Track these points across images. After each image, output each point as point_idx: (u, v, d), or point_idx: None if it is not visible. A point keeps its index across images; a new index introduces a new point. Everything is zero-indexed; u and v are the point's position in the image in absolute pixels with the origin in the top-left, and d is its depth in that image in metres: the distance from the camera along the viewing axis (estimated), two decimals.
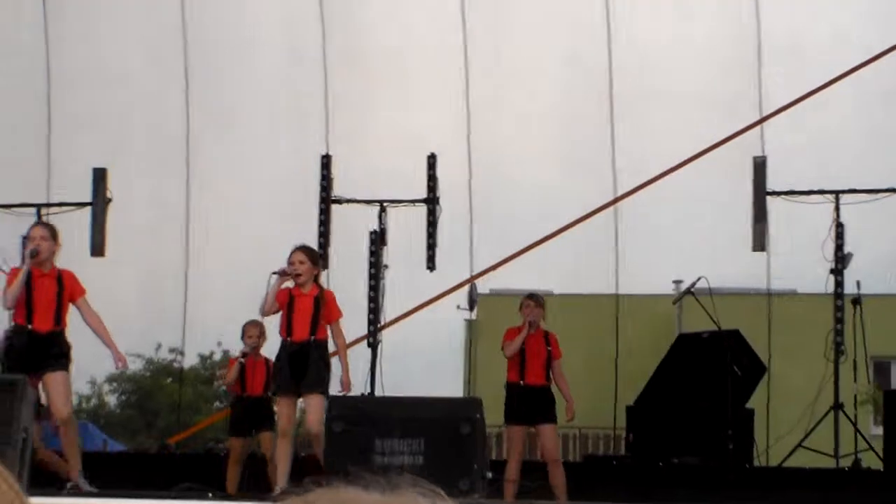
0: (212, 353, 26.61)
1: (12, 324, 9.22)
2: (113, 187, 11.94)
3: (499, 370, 13.32)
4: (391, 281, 11.52)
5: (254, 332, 10.81)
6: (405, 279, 12.30)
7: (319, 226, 12.04)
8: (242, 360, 10.95)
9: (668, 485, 10.37)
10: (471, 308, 14.44)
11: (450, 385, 14.83)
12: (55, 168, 14.26)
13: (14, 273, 9.04)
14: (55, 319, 8.92)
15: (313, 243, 11.89)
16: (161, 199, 14.67)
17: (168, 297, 14.47)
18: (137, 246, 14.19)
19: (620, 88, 14.24)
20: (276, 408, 9.72)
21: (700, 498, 9.94)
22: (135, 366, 24.43)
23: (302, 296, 9.32)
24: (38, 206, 11.80)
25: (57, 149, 14.45)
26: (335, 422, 8.01)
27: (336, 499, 1.02)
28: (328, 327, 9.35)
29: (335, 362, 9.39)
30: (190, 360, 17.07)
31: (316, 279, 9.48)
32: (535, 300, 10.67)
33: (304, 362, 9.08)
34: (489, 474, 8.12)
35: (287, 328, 9.30)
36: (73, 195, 12.15)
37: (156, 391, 23.68)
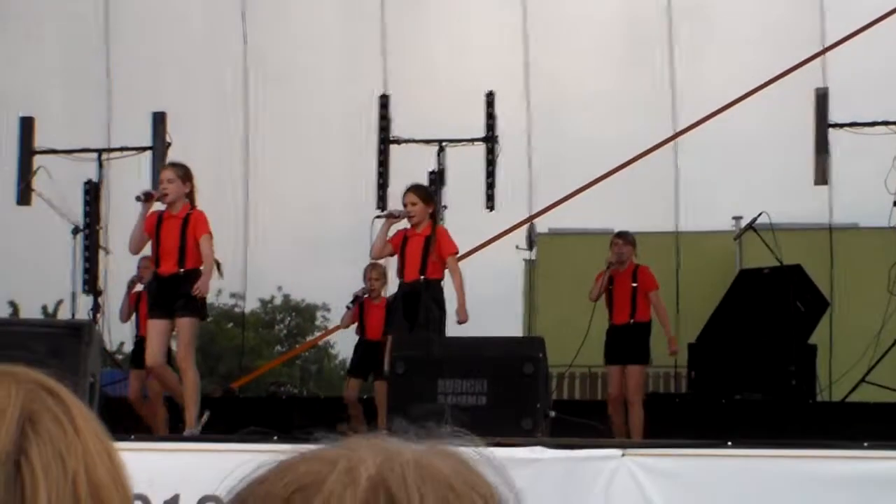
0: (272, 298, 26.76)
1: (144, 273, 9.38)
2: (172, 131, 11.94)
3: (558, 309, 13.34)
4: (451, 221, 11.50)
5: (373, 274, 10.85)
6: (464, 219, 12.27)
7: (378, 166, 12.02)
8: (350, 304, 11.00)
9: (731, 421, 10.33)
10: (530, 248, 14.42)
11: (509, 325, 14.81)
12: (115, 113, 14.33)
13: (150, 218, 9.04)
14: (178, 261, 8.90)
15: (372, 184, 11.91)
16: (219, 144, 14.70)
17: (228, 241, 14.53)
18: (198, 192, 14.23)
19: (679, 25, 14.09)
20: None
21: (763, 434, 9.88)
22: None
23: (415, 236, 9.37)
24: (99, 151, 11.82)
25: (117, 94, 14.52)
26: (398, 363, 8.04)
27: (375, 447, 1.01)
28: (446, 264, 9.34)
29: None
30: (251, 305, 17.14)
31: (432, 217, 9.44)
32: (623, 238, 10.64)
33: (416, 303, 9.10)
34: (552, 413, 8.12)
35: (400, 269, 9.35)
36: (134, 139, 12.18)
37: (218, 336, 23.86)
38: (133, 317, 11.20)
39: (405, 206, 9.47)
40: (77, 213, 11.19)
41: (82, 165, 11.62)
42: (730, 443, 7.15)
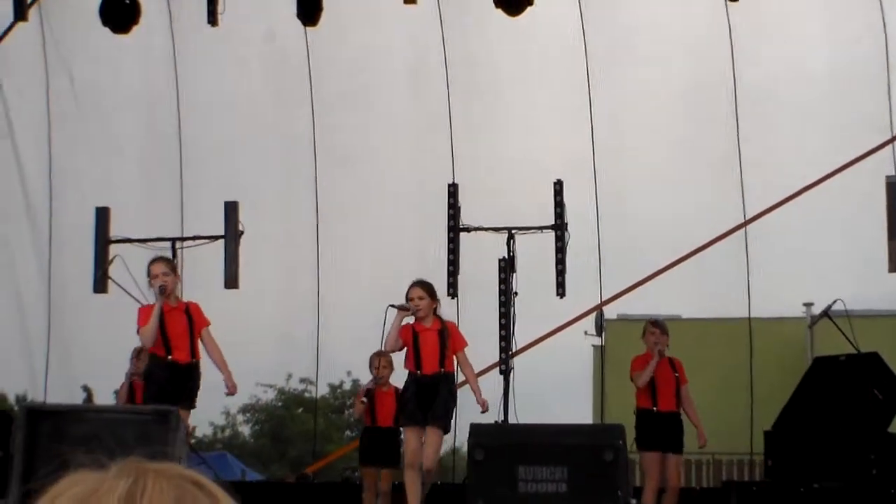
0: (341, 383, 26.83)
1: (150, 354, 9.44)
2: (244, 220, 12.07)
3: (628, 395, 13.26)
4: (521, 308, 11.52)
5: (381, 363, 10.93)
6: (534, 306, 12.28)
7: (448, 254, 12.07)
8: (364, 399, 11.08)
9: None
10: (599, 333, 14.39)
11: (580, 410, 14.79)
12: (188, 202, 14.53)
13: (145, 311, 9.25)
14: (191, 351, 9.13)
15: (442, 272, 11.96)
16: (291, 232, 14.86)
17: (298, 327, 14.63)
18: (269, 278, 14.37)
19: (745, 112, 14.13)
20: (403, 439, 9.82)
21: None
22: (267, 396, 24.73)
23: (426, 330, 9.47)
24: (173, 240, 11.95)
25: (189, 183, 14.73)
26: (476, 450, 8.02)
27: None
28: (455, 357, 9.47)
29: (463, 393, 9.50)
30: (320, 391, 17.21)
31: (435, 312, 9.59)
32: (660, 327, 10.67)
33: (433, 394, 9.21)
34: (633, 501, 8.06)
35: (415, 362, 9.43)
36: (206, 229, 12.32)
37: (288, 421, 23.92)
38: None
39: (410, 299, 9.58)
40: (151, 300, 11.30)
41: (157, 254, 11.76)
42: None
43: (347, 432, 27.79)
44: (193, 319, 9.25)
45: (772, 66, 14.15)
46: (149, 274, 9.44)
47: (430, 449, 9.16)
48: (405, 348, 9.64)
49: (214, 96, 15.05)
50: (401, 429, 10.07)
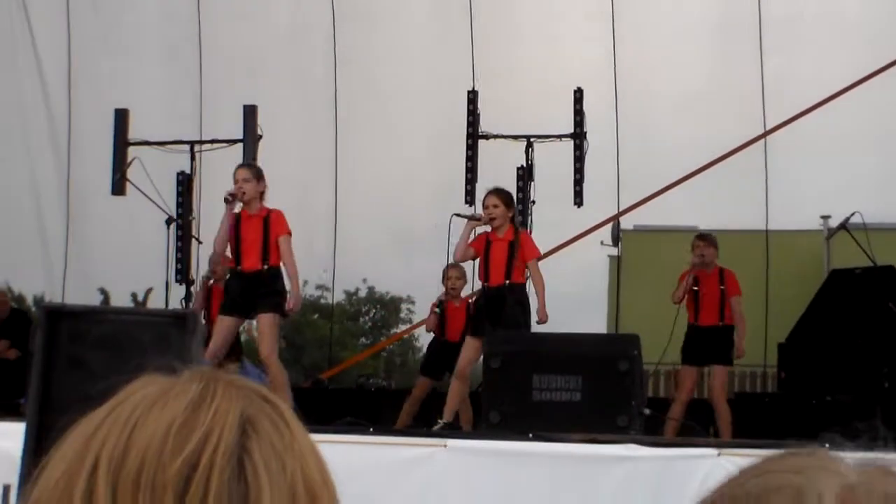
0: (357, 290, 26.96)
1: (219, 269, 9.47)
2: (262, 125, 12.05)
3: (644, 306, 13.30)
4: (538, 217, 11.51)
5: (453, 274, 10.88)
6: (552, 215, 12.28)
7: (466, 161, 12.05)
8: (437, 310, 11.03)
9: (821, 422, 10.25)
10: (615, 244, 14.38)
11: (595, 321, 14.82)
12: (207, 105, 14.50)
13: (231, 218, 9.22)
14: (262, 258, 9.06)
15: (461, 180, 11.94)
16: (309, 138, 14.83)
17: (315, 233, 14.66)
18: (287, 183, 14.36)
19: (769, 22, 14.00)
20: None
21: (854, 435, 9.78)
22: None
23: (498, 240, 9.41)
24: (192, 143, 11.95)
25: (208, 87, 14.69)
26: (492, 358, 8.06)
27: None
28: (528, 267, 9.40)
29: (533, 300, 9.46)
30: (336, 297, 17.27)
31: (512, 220, 9.49)
32: (704, 240, 10.61)
33: (501, 306, 9.17)
34: (647, 411, 8.12)
35: (484, 273, 9.41)
36: (225, 132, 12.31)
37: (303, 327, 24.05)
38: (202, 313, 11.23)
39: (486, 208, 9.49)
40: (170, 203, 11.34)
41: (175, 157, 11.77)
42: (827, 444, 7.10)
43: (362, 339, 27.96)
44: (270, 227, 9.17)
45: None
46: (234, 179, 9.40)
47: None
48: (478, 258, 9.59)
49: (236, 6, 14.95)
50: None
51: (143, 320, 6.62)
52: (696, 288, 10.48)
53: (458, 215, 9.66)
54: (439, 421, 9.20)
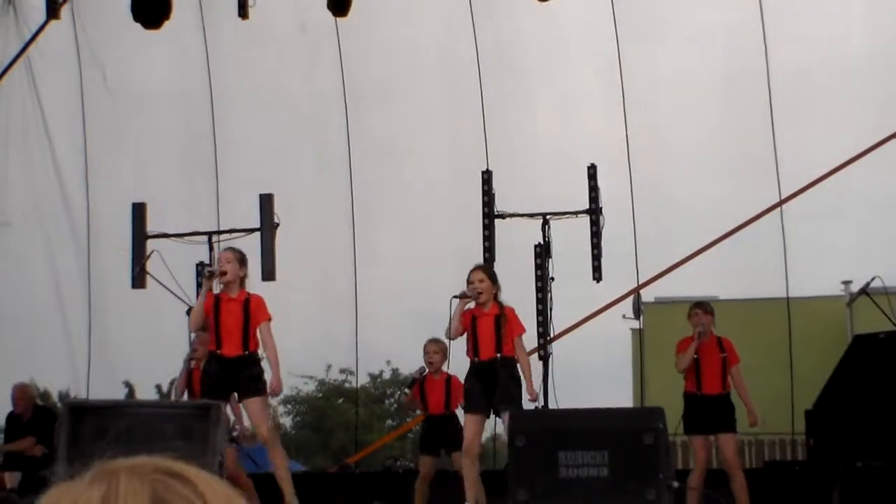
0: (381, 373, 26.94)
1: (199, 350, 9.47)
2: (279, 211, 12.10)
3: (668, 377, 13.24)
4: (558, 293, 11.51)
5: (431, 349, 10.92)
6: (571, 291, 12.28)
7: (484, 241, 12.07)
8: (407, 390, 11.06)
9: (853, 489, 10.17)
10: (637, 317, 14.36)
11: (620, 394, 14.77)
12: (224, 195, 14.60)
13: (209, 299, 9.25)
14: (243, 344, 9.09)
15: (479, 260, 11.95)
16: (326, 223, 14.90)
17: (337, 318, 14.68)
18: (306, 270, 14.42)
19: (778, 86, 14.07)
20: (463, 426, 9.74)
21: (886, 501, 9.72)
22: (307, 387, 24.84)
23: (484, 315, 9.40)
24: (210, 234, 12.00)
25: (224, 176, 14.80)
26: (518, 436, 8.03)
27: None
28: (514, 343, 9.39)
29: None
30: (360, 380, 17.27)
31: (496, 297, 9.52)
32: (702, 308, 10.60)
33: (494, 381, 9.16)
34: (675, 484, 8.05)
35: (473, 349, 9.39)
36: (242, 222, 12.36)
37: (329, 411, 24.03)
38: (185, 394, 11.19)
39: (471, 283, 9.52)
40: (190, 294, 11.37)
41: (194, 248, 11.82)
42: None
43: (389, 421, 27.87)
44: (251, 313, 9.22)
45: (807, 45, 14.08)
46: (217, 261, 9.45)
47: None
48: (465, 334, 9.60)
49: (247, 89, 15.10)
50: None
51: (165, 412, 6.64)
52: (695, 356, 10.44)
53: (455, 297, 9.68)
54: None
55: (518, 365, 9.38)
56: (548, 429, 8.06)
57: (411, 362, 19.15)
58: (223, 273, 9.17)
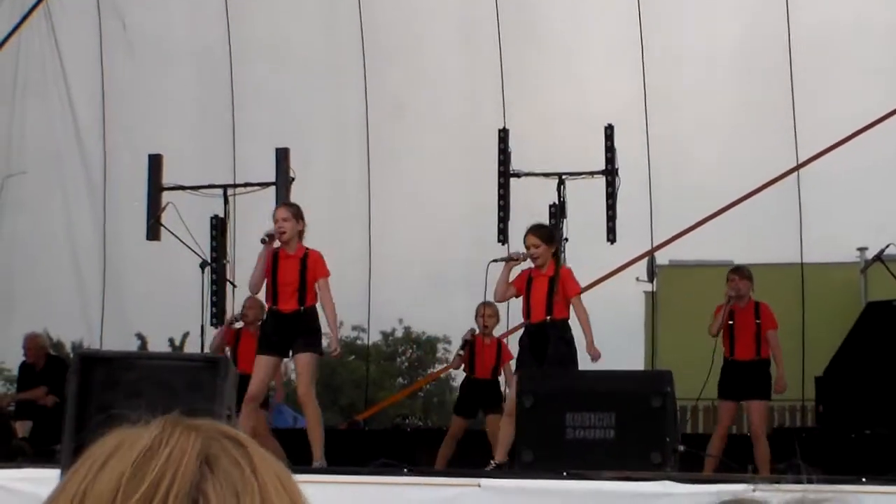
0: (393, 331, 26.98)
1: (242, 315, 9.47)
2: (295, 167, 12.09)
3: (680, 341, 13.27)
4: (572, 254, 11.49)
5: (486, 312, 10.88)
6: (586, 252, 12.26)
7: (499, 200, 12.04)
8: (461, 351, 11.03)
9: (860, 456, 10.16)
10: (651, 280, 14.34)
11: (631, 357, 14.76)
12: (240, 149, 14.59)
13: (269, 257, 9.24)
14: (299, 299, 9.06)
15: (493, 218, 11.94)
16: (342, 179, 14.90)
17: (350, 274, 14.70)
18: (320, 225, 14.40)
19: (799, 51, 13.98)
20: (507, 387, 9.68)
21: (894, 469, 9.70)
22: None
23: (539, 276, 9.37)
24: (225, 187, 12.01)
25: (241, 130, 14.79)
26: (525, 396, 8.04)
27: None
28: (571, 304, 9.34)
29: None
30: (372, 338, 17.29)
31: (555, 256, 9.45)
32: (739, 273, 10.55)
33: (544, 343, 9.13)
34: (681, 447, 8.07)
35: (526, 310, 9.37)
36: (258, 175, 12.37)
37: (340, 368, 24.09)
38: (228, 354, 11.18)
39: (527, 248, 9.46)
40: (204, 247, 11.38)
41: (209, 201, 11.83)
42: (864, 479, 7.05)
43: (399, 379, 27.94)
44: (308, 268, 9.18)
45: (829, 10, 13.98)
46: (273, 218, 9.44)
47: None
48: (520, 296, 9.55)
49: (266, 43, 15.07)
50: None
51: (175, 365, 6.66)
52: (731, 322, 10.42)
53: (494, 261, 9.64)
54: (492, 462, 9.16)
55: (579, 325, 9.31)
56: (556, 389, 8.07)
57: (423, 321, 19.28)
58: (282, 233, 9.16)
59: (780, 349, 10.49)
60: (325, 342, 9.59)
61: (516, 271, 9.66)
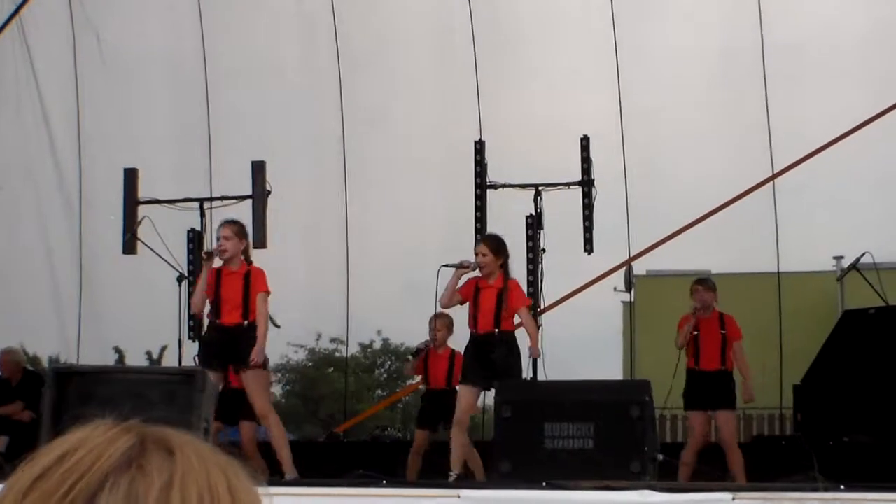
0: (371, 343, 26.94)
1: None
2: (271, 179, 12.06)
3: (658, 351, 13.27)
4: (549, 264, 11.50)
5: (438, 323, 10.90)
6: (563, 262, 12.27)
7: (476, 211, 12.04)
8: (410, 357, 11.05)
9: (840, 464, 10.17)
10: (628, 290, 14.34)
11: (609, 367, 14.78)
12: (216, 162, 14.56)
13: (210, 275, 9.26)
14: (242, 314, 9.08)
15: (470, 230, 11.94)
16: (318, 190, 14.88)
17: (327, 287, 14.68)
18: (297, 238, 14.40)
19: (773, 61, 14.03)
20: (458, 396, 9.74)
21: (873, 477, 9.72)
22: (297, 356, 24.87)
23: (487, 287, 9.39)
24: (201, 200, 11.96)
25: (217, 144, 14.76)
26: (504, 406, 8.04)
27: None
28: (518, 315, 9.35)
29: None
30: (350, 350, 17.28)
31: (503, 267, 9.46)
32: (703, 284, 10.61)
33: (491, 355, 9.14)
34: (660, 457, 8.07)
35: (473, 320, 9.37)
36: (234, 189, 12.33)
37: (319, 380, 24.06)
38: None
39: (476, 255, 9.49)
40: (181, 261, 11.34)
41: (185, 214, 11.79)
42: (842, 486, 7.06)
43: (378, 391, 27.91)
44: (251, 284, 9.20)
45: (802, 21, 14.04)
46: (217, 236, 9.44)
47: None
48: (466, 303, 9.56)
49: (241, 56, 15.05)
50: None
51: (151, 378, 6.64)
52: (696, 332, 10.46)
53: (445, 266, 9.64)
54: (451, 474, 9.17)
55: (527, 336, 9.35)
56: (534, 400, 8.07)
57: (402, 332, 19.22)
58: (223, 251, 9.18)
59: (746, 360, 10.53)
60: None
61: (465, 280, 9.68)
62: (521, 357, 9.39)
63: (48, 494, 1.06)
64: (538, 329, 10.12)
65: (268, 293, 9.26)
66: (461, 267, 9.49)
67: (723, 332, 10.46)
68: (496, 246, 9.59)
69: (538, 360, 9.49)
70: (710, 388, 10.33)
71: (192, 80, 14.87)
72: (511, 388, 8.43)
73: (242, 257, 9.38)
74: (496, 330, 9.30)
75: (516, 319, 9.57)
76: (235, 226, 9.48)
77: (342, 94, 14.84)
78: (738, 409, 14.84)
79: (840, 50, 13.92)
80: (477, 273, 9.51)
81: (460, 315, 10.24)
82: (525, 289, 11.44)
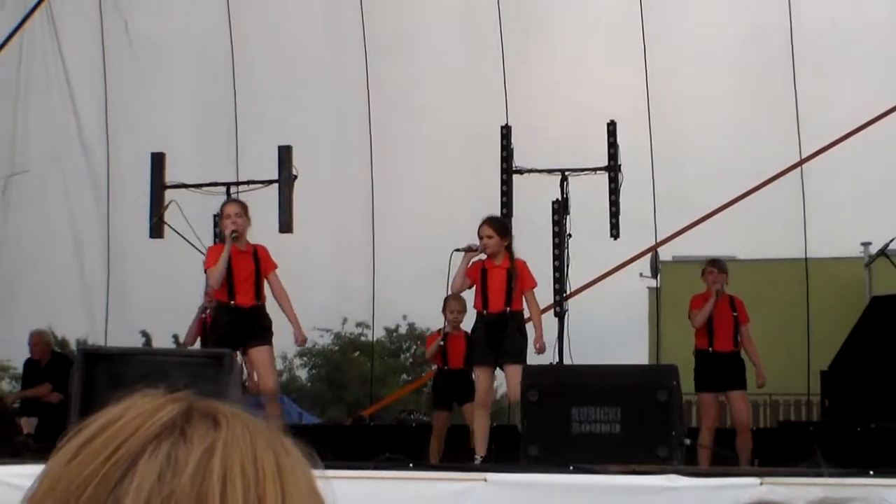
0: (397, 327, 26.99)
1: (215, 301, 9.49)
2: (297, 164, 12.07)
3: (683, 336, 13.24)
4: (575, 250, 11.48)
5: (454, 306, 10.92)
6: (589, 248, 12.25)
7: (502, 196, 12.02)
8: (441, 342, 11.08)
9: (867, 450, 10.14)
10: (654, 275, 14.32)
11: (635, 353, 14.76)
12: (242, 147, 14.58)
13: (214, 252, 9.27)
14: (255, 294, 9.15)
15: (496, 214, 11.92)
16: (344, 175, 14.89)
17: (353, 271, 14.69)
18: (324, 222, 14.42)
19: (802, 45, 13.96)
20: (474, 378, 9.81)
21: None
22: (323, 340, 24.96)
23: (494, 268, 9.38)
24: (228, 185, 11.98)
25: (243, 127, 14.78)
26: (531, 390, 8.03)
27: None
28: (523, 296, 9.39)
29: (529, 329, 9.45)
30: (376, 334, 17.31)
31: (508, 248, 9.49)
32: (717, 266, 10.60)
33: (501, 333, 9.15)
34: (687, 441, 8.05)
35: (483, 301, 9.39)
36: (261, 173, 12.35)
37: (344, 364, 24.11)
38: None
39: (480, 238, 9.49)
40: (207, 244, 11.36)
41: (212, 199, 11.82)
42: (871, 472, 7.02)
43: (403, 375, 27.98)
44: (261, 263, 9.26)
45: (831, 2, 13.96)
46: (221, 214, 9.46)
47: (513, 384, 8.84)
48: (474, 286, 9.59)
49: (267, 41, 15.06)
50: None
51: (179, 360, 6.65)
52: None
53: (457, 250, 9.65)
54: (477, 457, 9.18)
55: (531, 319, 9.39)
56: (561, 384, 8.05)
57: (427, 317, 19.22)
58: (235, 230, 9.20)
59: (755, 344, 10.51)
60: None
61: (470, 263, 9.69)
62: (528, 338, 9.40)
63: (91, 458, 1.06)
64: (564, 315, 10.11)
65: (276, 267, 9.33)
66: (469, 250, 9.50)
67: (735, 314, 10.46)
68: (500, 227, 9.61)
69: (542, 352, 9.48)
70: (723, 369, 10.33)
71: (219, 65, 14.90)
72: (538, 372, 8.42)
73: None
74: (507, 309, 9.32)
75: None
76: (242, 204, 9.54)
77: (368, 78, 14.84)
78: (765, 394, 14.85)
79: (869, 35, 13.84)
80: (481, 256, 9.52)
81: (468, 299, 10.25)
82: (551, 274, 11.46)
